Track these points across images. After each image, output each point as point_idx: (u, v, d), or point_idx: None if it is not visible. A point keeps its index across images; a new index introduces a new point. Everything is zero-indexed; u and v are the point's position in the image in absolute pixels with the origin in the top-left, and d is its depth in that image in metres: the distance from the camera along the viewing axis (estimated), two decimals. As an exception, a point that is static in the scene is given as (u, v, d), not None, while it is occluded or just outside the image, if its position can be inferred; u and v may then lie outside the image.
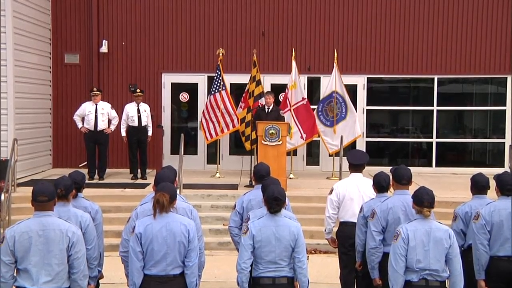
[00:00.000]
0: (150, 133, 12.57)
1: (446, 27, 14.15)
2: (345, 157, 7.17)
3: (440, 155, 14.56)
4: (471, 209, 5.84)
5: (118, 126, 12.54)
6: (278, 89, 13.70)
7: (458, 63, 14.24)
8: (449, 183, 12.51)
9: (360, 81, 14.33)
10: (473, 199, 5.98)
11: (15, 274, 4.65)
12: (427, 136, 14.68)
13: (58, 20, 14.06)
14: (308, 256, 5.19)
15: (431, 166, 14.47)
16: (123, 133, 12.41)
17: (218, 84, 12.52)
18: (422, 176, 13.19)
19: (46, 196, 4.65)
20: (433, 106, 14.46)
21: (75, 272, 4.69)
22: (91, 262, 5.19)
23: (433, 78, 14.39)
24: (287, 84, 12.90)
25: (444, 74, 14.35)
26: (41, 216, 4.65)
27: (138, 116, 12.32)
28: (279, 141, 11.01)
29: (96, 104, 12.23)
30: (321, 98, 13.30)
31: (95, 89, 12.53)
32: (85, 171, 11.35)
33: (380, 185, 6.00)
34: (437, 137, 14.53)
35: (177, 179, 5.85)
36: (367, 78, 14.36)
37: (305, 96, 13.01)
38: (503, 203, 5.65)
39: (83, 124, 12.28)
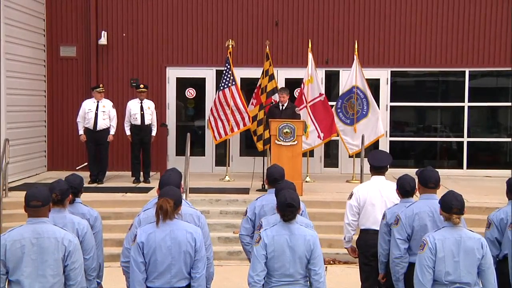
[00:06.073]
0: (154, 133, 12.56)
1: (479, 14, 14.07)
2: (366, 159, 7.15)
3: (471, 156, 14.49)
4: (506, 216, 5.80)
5: (120, 126, 12.56)
6: (293, 84, 13.71)
7: (491, 54, 14.16)
8: (482, 187, 12.45)
9: (383, 75, 14.30)
10: (509, 204, 5.93)
11: (6, 286, 4.67)
12: (457, 135, 14.62)
13: (53, 9, 14.14)
14: (326, 267, 5.17)
15: (461, 168, 14.42)
16: (128, 132, 12.43)
17: (228, 79, 12.54)
18: (452, 179, 13.16)
19: (40, 201, 4.65)
20: (464, 102, 14.39)
21: (71, 284, 4.70)
22: (89, 273, 5.20)
23: (464, 72, 14.32)
24: (303, 78, 12.88)
25: (476, 67, 14.28)
26: (35, 223, 4.66)
27: (141, 114, 12.32)
28: (294, 141, 11.00)
29: (98, 102, 12.26)
30: (340, 94, 13.30)
31: (101, 85, 12.52)
32: (85, 174, 11.40)
33: (404, 189, 5.97)
34: (468, 136, 14.46)
35: (183, 182, 5.86)
36: (391, 71, 14.33)
37: (323, 92, 12.98)
38: (542, 209, 5.62)
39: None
